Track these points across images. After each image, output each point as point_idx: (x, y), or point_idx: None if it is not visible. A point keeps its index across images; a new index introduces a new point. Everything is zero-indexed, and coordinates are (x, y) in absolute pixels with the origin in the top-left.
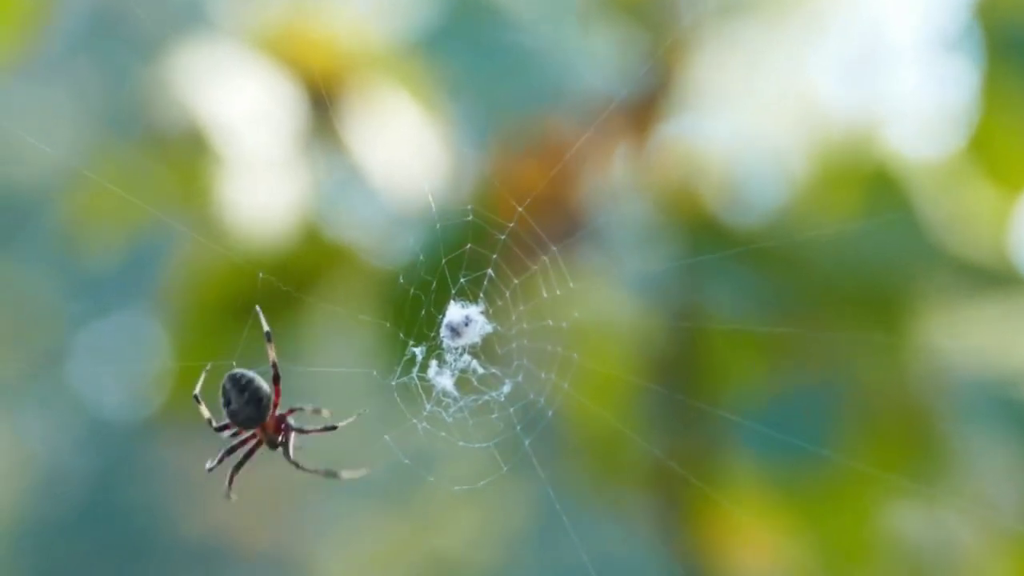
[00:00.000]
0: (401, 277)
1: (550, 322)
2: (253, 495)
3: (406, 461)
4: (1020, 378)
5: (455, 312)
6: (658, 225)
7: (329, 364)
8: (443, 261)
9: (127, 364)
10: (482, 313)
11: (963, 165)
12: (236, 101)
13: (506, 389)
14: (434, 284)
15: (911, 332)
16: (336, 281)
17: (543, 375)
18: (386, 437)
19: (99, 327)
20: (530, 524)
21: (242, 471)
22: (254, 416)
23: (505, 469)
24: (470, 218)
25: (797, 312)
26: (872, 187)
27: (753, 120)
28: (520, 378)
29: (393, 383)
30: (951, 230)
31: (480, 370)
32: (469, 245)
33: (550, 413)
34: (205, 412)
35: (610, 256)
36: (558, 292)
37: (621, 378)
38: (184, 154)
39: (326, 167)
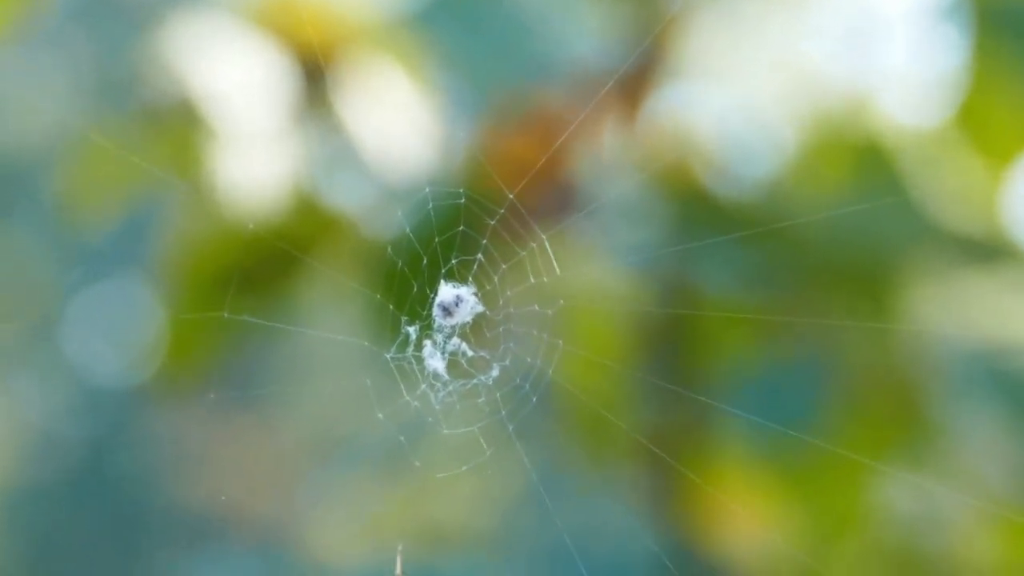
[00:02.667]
0: (390, 248)
1: (544, 311)
2: (248, 464)
3: (401, 438)
4: (1011, 351)
5: (446, 292)
6: (648, 198)
7: (321, 331)
8: (436, 240)
9: (120, 332)
10: (473, 293)
11: (954, 137)
12: (229, 73)
13: (495, 373)
14: (425, 261)
15: (901, 305)
16: (328, 253)
17: (531, 356)
18: (380, 415)
19: (92, 295)
20: (526, 494)
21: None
22: None
23: (489, 453)
24: (462, 201)
25: (787, 285)
26: (863, 158)
27: (744, 92)
28: (507, 361)
29: (389, 357)
30: (942, 202)
31: (469, 352)
32: (461, 227)
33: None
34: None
35: (600, 229)
36: (549, 270)
37: (610, 351)
38: (177, 126)
39: (318, 139)
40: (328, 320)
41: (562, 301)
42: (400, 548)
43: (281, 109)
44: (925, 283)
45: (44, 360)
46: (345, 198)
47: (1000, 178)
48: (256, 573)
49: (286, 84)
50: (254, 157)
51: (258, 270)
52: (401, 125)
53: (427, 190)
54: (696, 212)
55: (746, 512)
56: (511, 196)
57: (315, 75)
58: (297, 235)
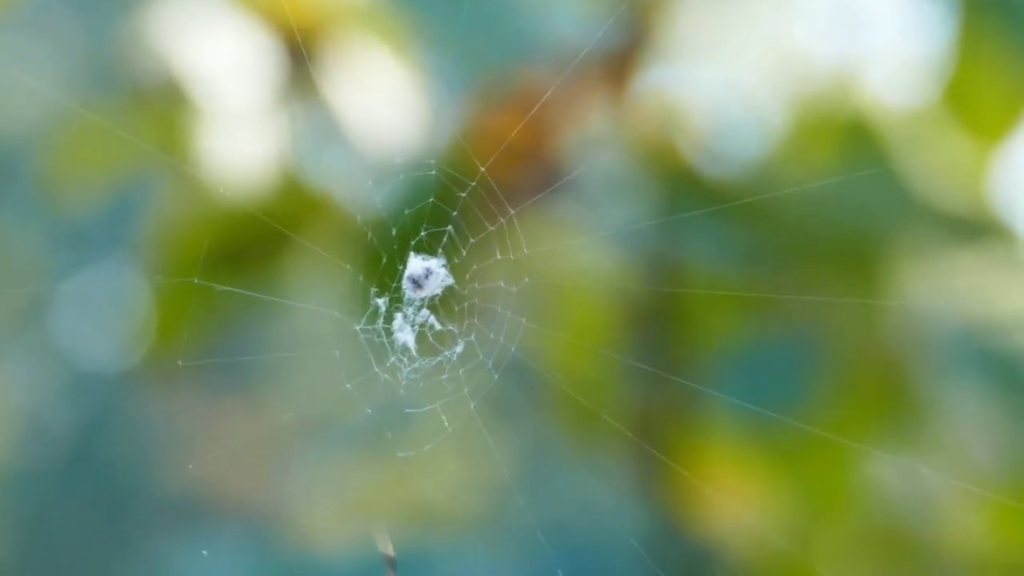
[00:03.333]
0: (359, 217)
1: (509, 288)
2: (235, 447)
3: (368, 411)
4: (999, 329)
5: (416, 264)
6: (635, 175)
7: (292, 300)
8: (424, 223)
9: (109, 315)
10: (443, 266)
11: (941, 115)
12: (214, 53)
13: (459, 349)
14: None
15: (889, 283)
16: (312, 230)
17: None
18: (348, 386)
19: (80, 277)
20: (516, 473)
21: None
22: None
23: (451, 431)
24: (433, 172)
25: (774, 263)
26: (850, 137)
27: (731, 71)
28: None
29: (358, 328)
30: (929, 180)
31: (438, 326)
32: (430, 199)
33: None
34: None
35: (586, 207)
36: (525, 251)
37: (597, 328)
38: (163, 106)
39: (303, 119)
40: (311, 296)
41: (527, 279)
42: (382, 531)
43: (266, 89)
44: (912, 261)
45: (32, 343)
46: (330, 176)
47: (987, 156)
48: (243, 554)
49: (271, 64)
50: (240, 137)
51: (242, 247)
52: (386, 104)
53: (398, 161)
54: (683, 190)
55: (731, 493)
56: (483, 170)
57: (300, 55)
58: (282, 213)
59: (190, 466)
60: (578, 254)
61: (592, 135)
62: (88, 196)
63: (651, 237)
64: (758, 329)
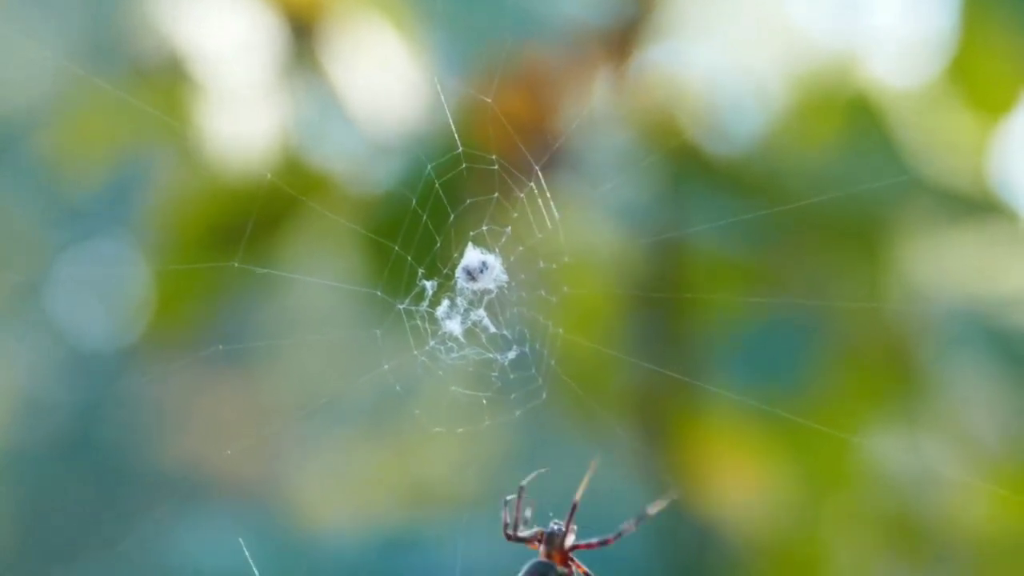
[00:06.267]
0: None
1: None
2: (233, 426)
3: (398, 388)
4: (1001, 307)
5: (472, 256)
6: (638, 153)
7: (327, 280)
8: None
9: (108, 293)
10: (499, 262)
11: (943, 93)
12: (217, 30)
13: (512, 355)
14: (425, 217)
15: (891, 261)
16: (316, 206)
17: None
18: (385, 366)
19: (80, 255)
20: (514, 452)
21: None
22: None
23: (488, 423)
24: (459, 151)
25: (777, 241)
26: (852, 115)
27: (733, 48)
28: (526, 348)
29: (400, 308)
30: (931, 158)
31: (492, 329)
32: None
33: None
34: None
35: (591, 184)
36: (545, 228)
37: (602, 307)
38: (165, 84)
39: (306, 96)
40: (328, 269)
41: (567, 258)
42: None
43: (269, 66)
44: (914, 239)
45: (32, 321)
46: (334, 152)
47: (989, 134)
48: (244, 532)
49: (274, 41)
50: (243, 114)
51: (251, 224)
52: (389, 81)
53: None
54: (686, 167)
55: (740, 464)
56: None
57: (303, 31)
58: (287, 189)
59: (229, 452)
60: (585, 234)
61: (596, 113)
62: (92, 174)
63: (654, 214)
64: (763, 310)
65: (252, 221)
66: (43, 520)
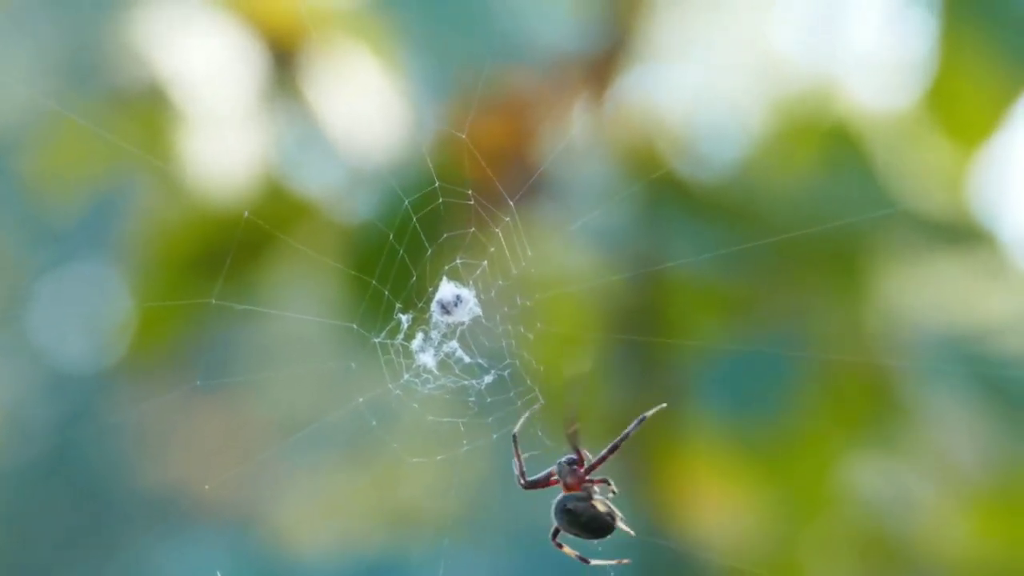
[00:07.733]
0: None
1: (517, 299)
2: (213, 448)
3: (374, 423)
4: (979, 334)
5: (447, 290)
6: (618, 180)
7: (305, 314)
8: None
9: (89, 315)
10: (474, 296)
11: (922, 119)
12: (197, 56)
13: (488, 379)
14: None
15: (870, 287)
16: (294, 234)
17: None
18: (360, 399)
19: (61, 278)
20: (493, 473)
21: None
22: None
23: (466, 447)
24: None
25: (757, 267)
26: (831, 142)
27: (713, 75)
28: (507, 373)
29: (376, 342)
30: (911, 185)
31: (466, 359)
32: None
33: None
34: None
35: (569, 211)
36: (526, 254)
37: (582, 333)
38: (145, 109)
39: (287, 123)
40: (303, 303)
41: (538, 295)
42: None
43: (249, 92)
44: (893, 266)
45: (11, 343)
46: (313, 180)
47: (969, 161)
48: (226, 556)
49: (254, 67)
50: (223, 140)
51: (231, 251)
52: (369, 108)
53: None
54: (665, 194)
55: (719, 489)
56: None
57: (283, 58)
58: (267, 217)
59: (206, 487)
60: (564, 261)
61: (575, 139)
62: (72, 197)
63: (634, 240)
64: (743, 335)
65: (233, 248)
66: (23, 545)
